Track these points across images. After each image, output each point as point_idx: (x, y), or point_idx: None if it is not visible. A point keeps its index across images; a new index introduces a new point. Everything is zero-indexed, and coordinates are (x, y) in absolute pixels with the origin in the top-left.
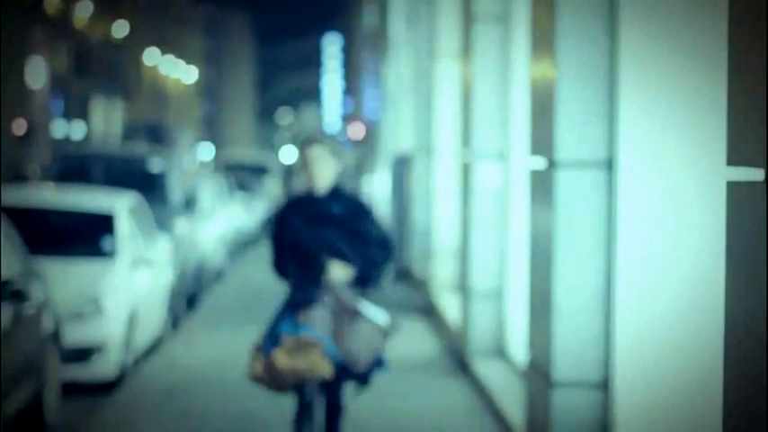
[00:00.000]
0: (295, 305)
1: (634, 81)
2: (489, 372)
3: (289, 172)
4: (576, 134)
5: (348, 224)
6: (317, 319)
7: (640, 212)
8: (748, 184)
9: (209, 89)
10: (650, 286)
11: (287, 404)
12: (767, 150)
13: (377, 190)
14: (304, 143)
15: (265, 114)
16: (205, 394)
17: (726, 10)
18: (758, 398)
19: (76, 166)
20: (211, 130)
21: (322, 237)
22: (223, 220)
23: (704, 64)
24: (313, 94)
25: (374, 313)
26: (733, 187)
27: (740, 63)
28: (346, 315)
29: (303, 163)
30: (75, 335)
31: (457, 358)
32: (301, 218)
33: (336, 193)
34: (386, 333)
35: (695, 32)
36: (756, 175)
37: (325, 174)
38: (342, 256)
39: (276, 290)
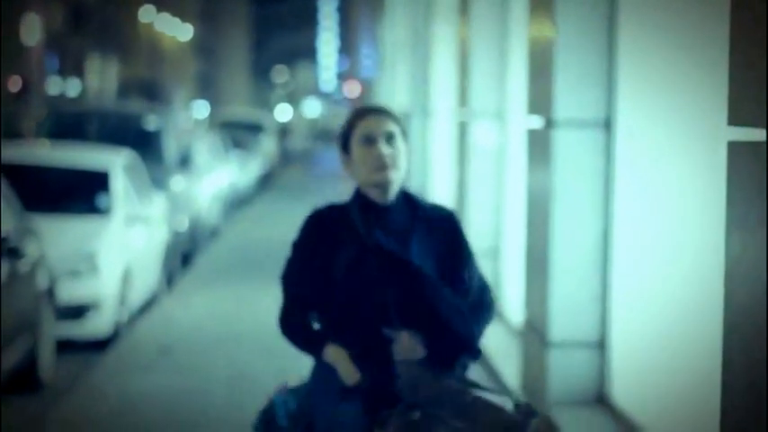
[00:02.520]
0: (363, 406)
1: (633, 40)
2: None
3: (284, 130)
4: (574, 93)
5: (435, 261)
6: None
7: (638, 172)
8: (749, 144)
9: (204, 47)
10: (648, 246)
11: (281, 361)
12: None
13: None
14: (362, 113)
15: (261, 72)
16: (200, 351)
17: None
18: (758, 357)
19: (71, 123)
20: (207, 87)
21: (394, 285)
22: (218, 178)
23: (705, 23)
24: (309, 53)
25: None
26: (734, 147)
27: (742, 22)
28: (457, 411)
29: (362, 144)
30: (69, 292)
31: None
32: (356, 247)
33: (410, 202)
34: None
35: None
36: (758, 135)
37: (400, 167)
38: (427, 319)
39: (272, 248)
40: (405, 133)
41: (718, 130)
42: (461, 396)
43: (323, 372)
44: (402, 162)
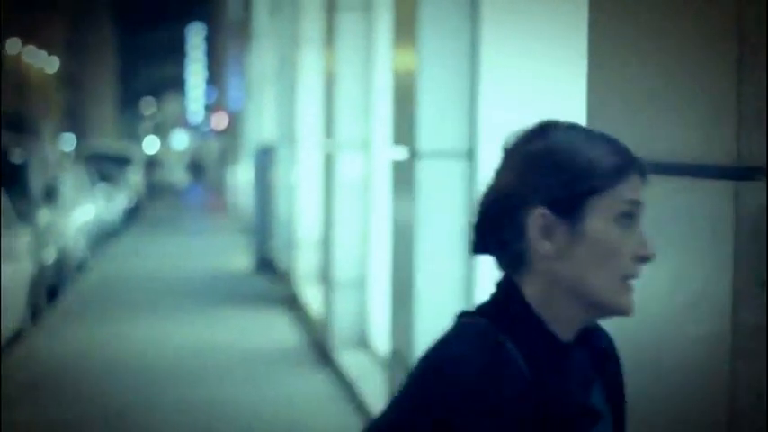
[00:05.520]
0: None
1: (495, 71)
2: (352, 362)
3: (151, 163)
4: (437, 124)
5: None
6: None
7: None
8: None
9: (71, 79)
10: None
11: (149, 396)
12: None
13: (240, 181)
14: (624, 160)
15: (128, 104)
16: (69, 385)
17: (585, 3)
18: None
19: None
20: (73, 120)
21: None
22: (84, 211)
23: (565, 53)
24: (177, 84)
25: None
26: None
27: (600, 50)
28: None
29: (618, 221)
30: None
31: (319, 349)
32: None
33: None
34: None
35: (556, 21)
36: None
37: None
38: None
39: (139, 282)
40: None
41: None
42: None
43: None
44: None
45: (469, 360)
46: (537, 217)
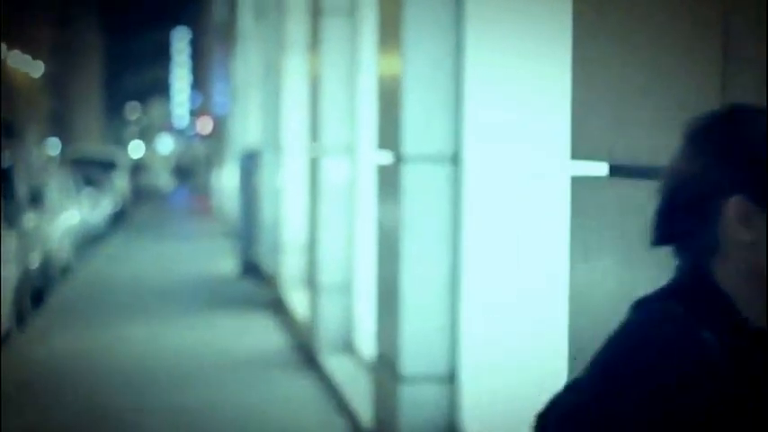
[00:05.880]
0: None
1: (480, 75)
2: (337, 366)
3: (137, 167)
4: (422, 128)
5: None
6: None
7: (486, 206)
8: (592, 178)
9: (56, 83)
10: (496, 280)
11: (139, 397)
12: (609, 144)
13: (226, 185)
14: None
15: (114, 109)
16: (57, 388)
17: (570, 3)
18: None
19: None
20: (59, 124)
21: None
22: (70, 216)
23: (550, 58)
24: (162, 89)
25: None
26: (576, 182)
27: (584, 56)
28: None
29: None
30: None
31: (305, 353)
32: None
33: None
34: None
35: (541, 27)
36: (600, 169)
37: None
38: None
39: (124, 286)
40: None
41: (563, 165)
42: None
43: None
44: None
45: (669, 347)
46: (735, 205)
